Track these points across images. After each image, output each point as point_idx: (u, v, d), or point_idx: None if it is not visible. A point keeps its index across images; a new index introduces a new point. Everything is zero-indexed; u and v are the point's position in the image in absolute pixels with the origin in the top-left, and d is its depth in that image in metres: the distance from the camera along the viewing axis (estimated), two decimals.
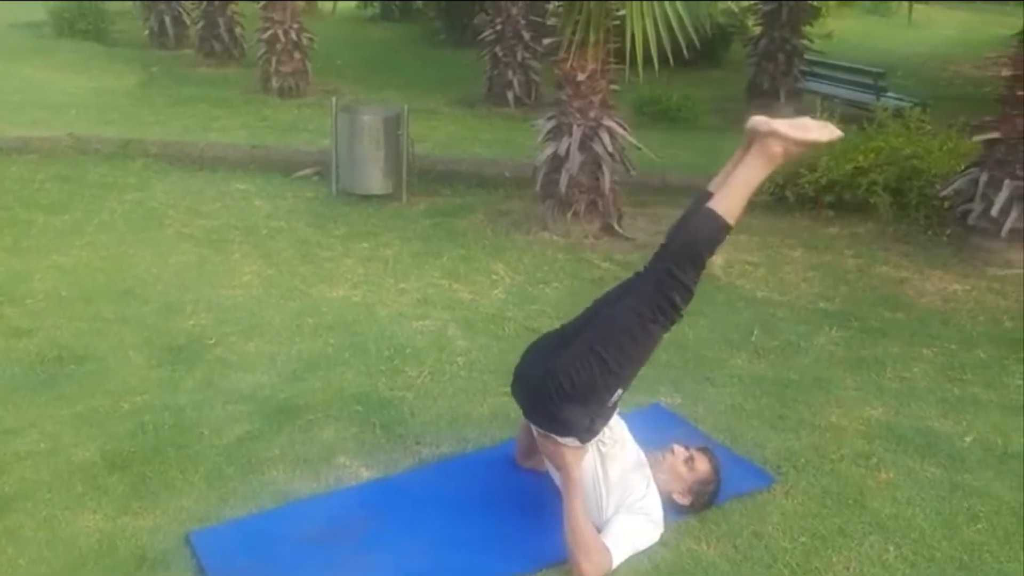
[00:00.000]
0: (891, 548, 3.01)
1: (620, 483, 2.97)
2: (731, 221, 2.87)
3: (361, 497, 3.21)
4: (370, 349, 4.34)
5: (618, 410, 3.04)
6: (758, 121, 2.90)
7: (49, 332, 4.41)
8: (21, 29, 14.19)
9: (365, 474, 3.37)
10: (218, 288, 5.05)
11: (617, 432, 3.03)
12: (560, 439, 2.87)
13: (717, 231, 2.87)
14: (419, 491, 3.24)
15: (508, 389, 3.90)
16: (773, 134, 2.86)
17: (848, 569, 2.91)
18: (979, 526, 3.14)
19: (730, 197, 2.90)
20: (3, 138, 7.87)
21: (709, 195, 2.98)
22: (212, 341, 4.38)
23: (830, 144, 2.99)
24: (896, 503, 3.25)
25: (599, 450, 2.95)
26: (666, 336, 4.56)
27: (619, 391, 2.90)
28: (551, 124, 6.16)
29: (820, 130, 2.87)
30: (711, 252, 2.91)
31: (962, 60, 14.49)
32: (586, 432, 2.86)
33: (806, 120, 2.90)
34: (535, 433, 3.02)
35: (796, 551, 2.98)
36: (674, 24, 5.34)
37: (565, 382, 2.81)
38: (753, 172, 2.91)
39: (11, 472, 3.29)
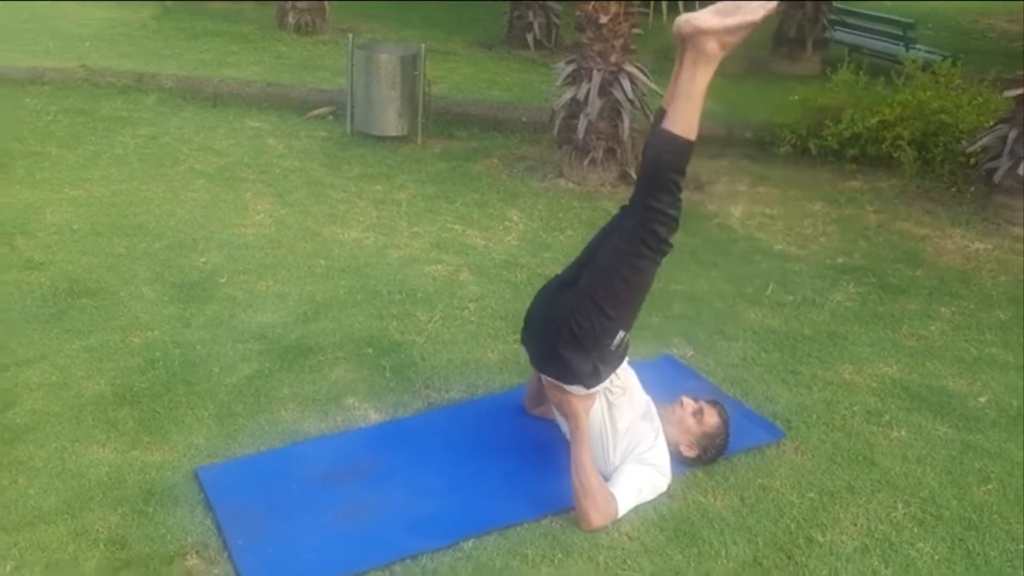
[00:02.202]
0: (900, 506, 2.99)
1: (628, 433, 2.96)
2: (690, 136, 2.72)
3: (369, 439, 3.22)
4: (381, 292, 4.31)
5: (628, 360, 3.02)
6: (680, 23, 2.68)
7: (61, 265, 4.41)
8: None
9: (374, 416, 3.37)
10: (230, 226, 5.02)
11: (626, 381, 3.00)
12: (566, 387, 2.86)
13: (679, 151, 2.72)
14: (427, 435, 3.24)
15: (519, 336, 3.89)
16: (700, 32, 2.65)
17: (855, 525, 2.90)
18: (989, 487, 3.12)
19: (680, 112, 2.72)
20: (16, 68, 7.82)
21: (662, 114, 2.82)
22: (223, 279, 4.37)
23: (765, 18, 2.69)
24: (906, 461, 3.23)
25: (607, 399, 2.93)
26: (679, 288, 4.55)
27: (621, 333, 2.85)
28: (570, 68, 6.04)
29: (751, 7, 2.65)
30: (680, 173, 2.74)
31: (996, 13, 14.09)
32: (590, 378, 2.82)
33: (727, 4, 2.68)
34: (544, 382, 3.00)
35: (804, 506, 2.97)
36: None
37: (565, 330, 2.79)
38: (695, 77, 2.70)
39: (23, 403, 3.31)
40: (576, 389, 2.85)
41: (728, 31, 2.66)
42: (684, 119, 2.72)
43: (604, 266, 2.82)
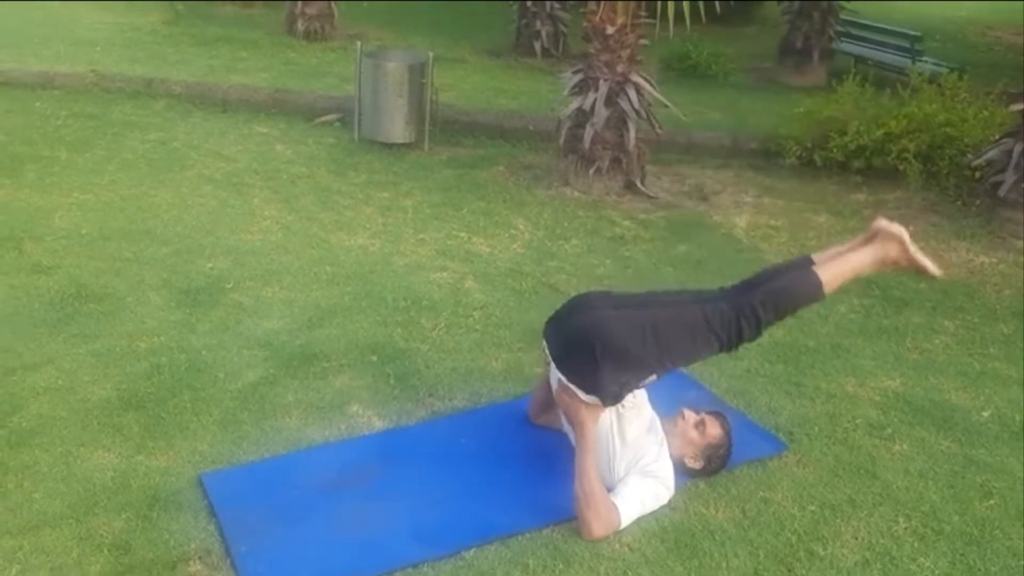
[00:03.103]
0: (901, 520, 3.00)
1: (634, 444, 2.97)
2: (826, 293, 3.01)
3: (373, 446, 3.24)
4: (387, 299, 4.33)
5: None
6: (890, 223, 3.07)
7: (69, 270, 4.43)
8: None
9: (378, 424, 3.38)
10: (237, 232, 5.05)
11: (636, 395, 3.01)
12: (584, 395, 2.87)
13: (812, 296, 3.02)
14: (431, 443, 3.26)
15: (523, 345, 3.91)
16: (901, 241, 3.02)
17: (856, 539, 2.90)
18: (991, 502, 3.12)
19: (835, 273, 3.03)
20: (26, 72, 7.86)
21: (810, 260, 3.12)
22: (230, 285, 4.39)
23: (933, 277, 3.16)
24: (908, 475, 3.24)
25: (617, 411, 2.94)
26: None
27: (653, 376, 2.93)
28: (577, 78, 6.06)
29: (933, 261, 3.08)
30: (794, 311, 3.07)
31: (1003, 26, 14.10)
32: (611, 397, 2.86)
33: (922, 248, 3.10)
34: (557, 383, 3.00)
35: (805, 519, 2.97)
36: None
37: (612, 339, 2.84)
38: (865, 262, 3.06)
39: (28, 408, 3.33)
40: (592, 399, 2.87)
41: (911, 261, 3.04)
42: (834, 280, 3.02)
43: (684, 322, 2.94)
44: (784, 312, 3.01)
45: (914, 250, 3.03)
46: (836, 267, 3.04)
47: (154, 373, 3.60)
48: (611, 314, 2.94)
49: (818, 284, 2.98)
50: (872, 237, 3.08)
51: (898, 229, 3.02)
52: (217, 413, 3.36)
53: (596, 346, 2.83)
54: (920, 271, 3.07)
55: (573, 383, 2.89)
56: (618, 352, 2.84)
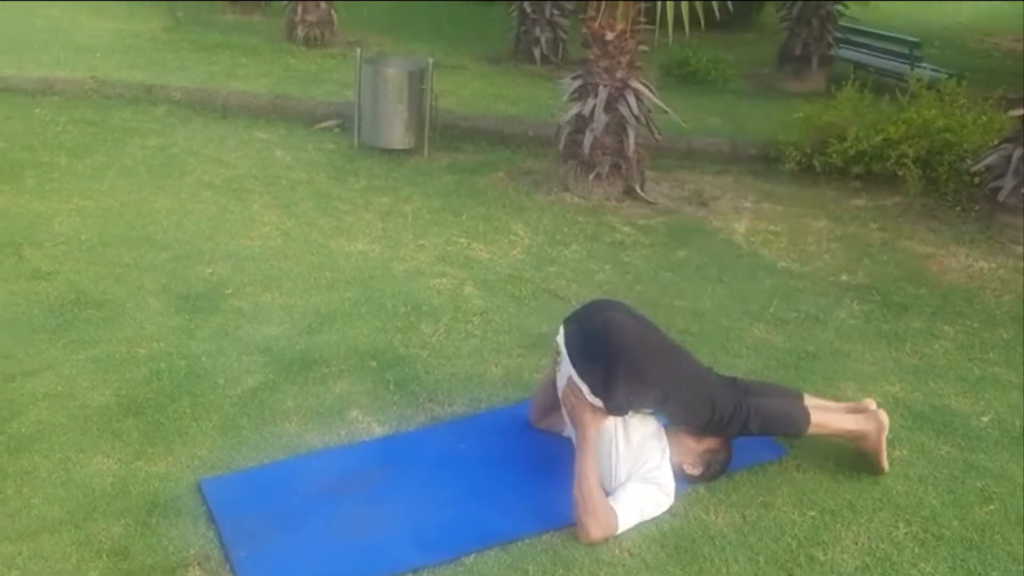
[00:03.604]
0: (901, 525, 2.99)
1: (638, 448, 2.98)
2: (806, 432, 3.19)
3: (372, 452, 3.23)
4: (386, 305, 4.33)
5: None
6: (880, 409, 3.27)
7: (68, 276, 4.43)
8: None
9: (377, 430, 3.38)
10: (237, 238, 5.05)
11: None
12: (591, 396, 2.88)
13: (796, 429, 3.19)
14: (430, 449, 3.25)
15: (523, 350, 3.91)
16: (880, 429, 3.20)
17: (856, 544, 2.90)
18: (991, 507, 3.11)
19: (821, 421, 3.20)
20: (27, 79, 7.88)
21: (801, 396, 3.29)
22: (229, 291, 4.39)
23: (879, 471, 3.25)
24: (908, 480, 3.23)
25: (622, 416, 2.95)
26: (683, 303, 4.57)
27: (652, 409, 3.01)
28: (577, 84, 6.07)
29: (885, 463, 3.25)
30: (772, 434, 3.25)
31: (1002, 32, 14.13)
32: (615, 407, 2.89)
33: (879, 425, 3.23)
34: (565, 382, 3.01)
35: (805, 524, 2.97)
36: None
37: (634, 348, 2.94)
38: (845, 427, 3.23)
39: (28, 413, 3.33)
40: (598, 402, 2.89)
41: (877, 446, 3.21)
42: (818, 423, 3.19)
43: (693, 375, 3.12)
44: (766, 430, 3.16)
45: (883, 443, 3.20)
46: (823, 417, 3.21)
47: (153, 379, 3.59)
48: (639, 327, 3.07)
49: (807, 422, 3.15)
50: (860, 410, 3.29)
51: (884, 417, 3.21)
52: (216, 419, 3.36)
53: (618, 351, 2.90)
54: (875, 461, 3.22)
55: (584, 381, 2.90)
56: (636, 363, 2.90)
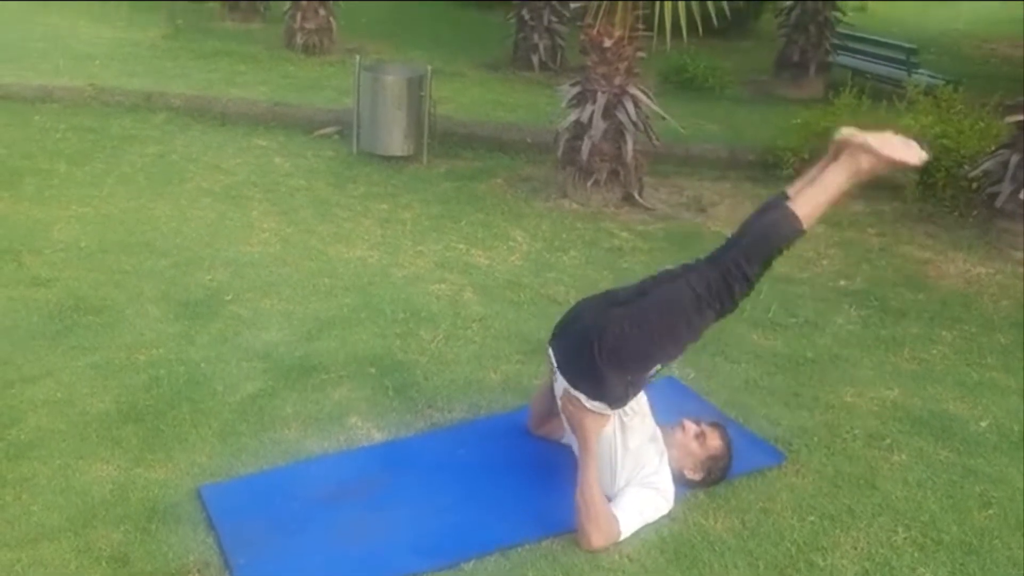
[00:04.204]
0: (900, 530, 3.00)
1: (636, 454, 2.97)
2: (807, 226, 2.88)
3: (372, 458, 3.23)
4: (385, 311, 4.34)
5: None
6: (850, 133, 2.91)
7: (68, 283, 4.44)
8: None
9: (377, 436, 3.38)
10: (236, 244, 5.06)
11: (640, 404, 3.02)
12: (588, 401, 2.84)
13: (793, 233, 2.88)
14: (430, 455, 3.25)
15: (522, 356, 3.91)
16: (865, 148, 2.85)
17: (856, 549, 2.90)
18: (990, 512, 3.12)
19: (811, 203, 2.90)
20: (26, 86, 7.89)
21: (785, 196, 2.98)
22: (228, 297, 4.39)
23: (916, 167, 2.99)
24: (907, 485, 3.23)
25: (620, 420, 2.94)
26: None
27: (658, 366, 2.91)
28: (575, 90, 6.09)
29: (908, 150, 2.86)
30: (781, 252, 2.91)
31: (999, 38, 14.17)
32: (617, 400, 2.84)
33: (892, 137, 2.87)
34: (561, 392, 2.99)
35: (804, 529, 2.97)
36: None
37: (611, 340, 2.80)
38: (838, 182, 2.90)
39: (27, 420, 3.33)
40: (598, 406, 2.84)
41: (884, 160, 2.84)
42: (811, 210, 2.89)
43: (671, 300, 2.88)
44: (769, 258, 2.88)
45: (885, 150, 2.83)
46: (812, 197, 2.90)
47: (153, 385, 3.59)
48: (608, 313, 2.91)
49: (796, 220, 2.85)
50: (838, 153, 2.93)
51: (861, 138, 2.86)
52: (216, 425, 3.36)
53: (595, 347, 2.81)
54: (900, 166, 2.89)
55: (579, 390, 2.87)
56: (617, 349, 2.81)
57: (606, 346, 2.80)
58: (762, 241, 2.88)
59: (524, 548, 2.81)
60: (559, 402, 3.04)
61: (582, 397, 2.87)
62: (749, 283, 2.86)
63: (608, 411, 2.86)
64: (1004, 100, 6.37)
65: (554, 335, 3.06)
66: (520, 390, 3.68)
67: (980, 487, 3.25)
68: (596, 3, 5.64)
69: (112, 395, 3.51)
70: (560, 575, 2.72)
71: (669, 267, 3.10)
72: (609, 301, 2.99)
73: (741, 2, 9.10)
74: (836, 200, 2.94)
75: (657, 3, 5.25)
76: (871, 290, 4.97)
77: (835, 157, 2.93)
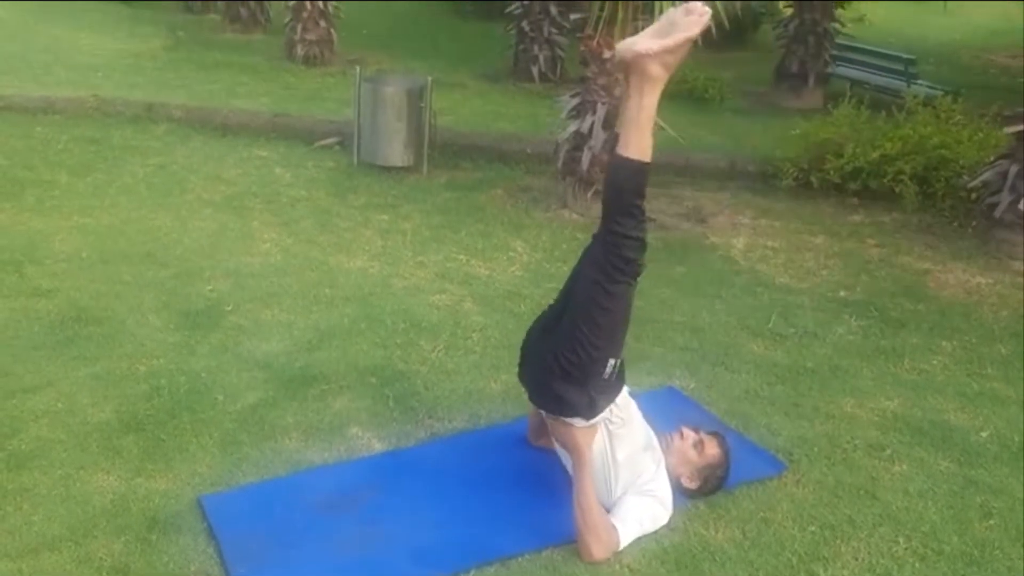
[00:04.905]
0: (901, 540, 2.99)
1: (629, 463, 2.97)
2: (644, 158, 2.74)
3: (372, 468, 3.23)
4: (386, 321, 4.34)
5: (629, 390, 3.05)
6: (621, 49, 2.73)
7: (69, 293, 4.44)
8: None
9: (377, 446, 3.38)
10: (237, 255, 5.06)
11: (627, 412, 3.01)
12: (567, 420, 2.87)
13: (635, 173, 2.75)
14: (430, 465, 3.25)
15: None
16: (641, 56, 2.66)
17: (856, 559, 2.89)
18: (991, 522, 3.12)
19: (632, 136, 2.75)
20: (28, 98, 7.92)
21: (615, 144, 2.87)
22: (229, 308, 4.40)
23: (705, 31, 2.68)
24: (908, 496, 3.23)
25: (608, 430, 2.94)
26: (681, 319, 4.57)
27: (611, 361, 2.83)
28: (575, 101, 6.11)
29: (687, 23, 2.64)
30: (639, 195, 2.76)
31: (998, 49, 14.22)
32: (588, 409, 2.83)
33: (669, 15, 2.69)
34: (545, 417, 3.02)
35: (805, 539, 2.97)
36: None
37: (555, 367, 2.81)
38: (643, 102, 2.72)
39: (28, 430, 3.33)
40: (576, 421, 2.86)
41: (668, 51, 2.65)
42: (636, 143, 2.74)
43: (582, 298, 2.83)
44: (635, 208, 2.74)
45: (655, 45, 2.64)
46: (632, 131, 2.75)
47: (154, 395, 3.60)
48: (544, 339, 2.93)
49: (632, 161, 2.73)
50: (626, 74, 2.80)
51: (627, 48, 2.69)
52: (216, 435, 3.36)
53: (546, 375, 2.85)
54: (687, 45, 2.65)
55: (551, 413, 2.91)
56: (563, 369, 2.80)
57: (553, 371, 2.82)
58: (615, 195, 2.78)
59: (524, 558, 2.81)
60: (549, 425, 3.05)
61: (559, 418, 2.89)
62: (634, 239, 2.74)
63: (587, 423, 2.86)
64: (1003, 110, 6.39)
65: (519, 367, 3.11)
66: (520, 400, 3.67)
67: (981, 497, 3.25)
68: (596, 15, 5.66)
69: (113, 405, 3.51)
70: None
71: (580, 256, 2.98)
72: (543, 327, 3.01)
73: (740, 14, 9.14)
74: (652, 116, 2.77)
75: (657, 14, 5.27)
76: (871, 300, 4.97)
77: (627, 79, 2.79)
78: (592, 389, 2.82)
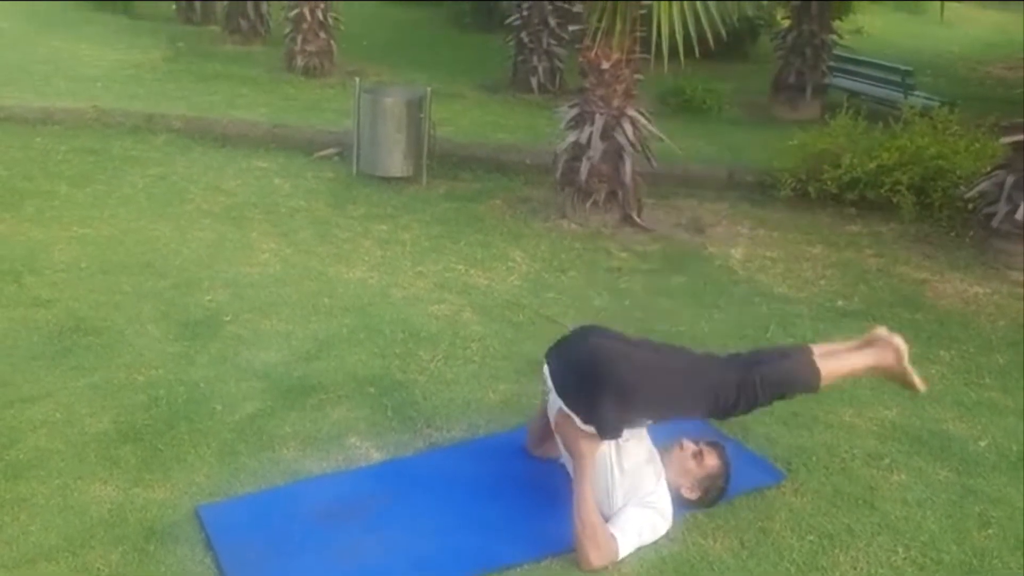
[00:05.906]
0: (900, 550, 2.99)
1: (632, 474, 2.97)
2: (822, 386, 3.11)
3: (370, 478, 3.23)
4: (384, 331, 4.35)
5: None
6: (891, 335, 3.21)
7: (68, 303, 4.45)
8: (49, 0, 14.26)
9: (375, 455, 3.38)
10: (236, 265, 5.07)
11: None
12: (582, 424, 2.87)
13: (809, 386, 3.10)
14: (428, 474, 3.25)
15: (521, 376, 3.91)
16: (898, 353, 3.16)
17: (855, 569, 2.89)
18: (990, 531, 3.11)
19: (834, 369, 3.13)
20: (28, 108, 7.94)
21: (811, 350, 3.16)
22: (228, 318, 4.40)
23: (917, 391, 3.31)
24: (906, 505, 3.23)
25: (616, 440, 2.94)
26: (681, 329, 4.58)
27: (649, 422, 2.99)
28: (573, 112, 6.13)
29: (921, 381, 3.25)
30: (786, 397, 3.14)
31: (994, 60, 14.27)
32: (609, 430, 2.87)
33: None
34: (556, 412, 3.01)
35: (803, 549, 2.97)
36: (701, 16, 5.29)
37: (620, 373, 2.88)
38: (859, 365, 3.21)
39: (26, 440, 3.33)
40: (590, 429, 2.88)
41: (903, 370, 3.18)
42: (831, 374, 3.12)
43: (697, 372, 3.05)
44: (780, 396, 3.08)
45: (907, 364, 3.15)
46: (834, 365, 3.13)
47: (152, 405, 3.60)
48: (622, 348, 3.01)
49: (818, 376, 3.06)
50: (872, 342, 3.21)
51: (899, 341, 3.15)
52: (215, 445, 3.36)
53: (603, 376, 2.87)
54: (907, 385, 3.23)
55: (573, 411, 2.90)
56: (624, 387, 2.86)
57: (616, 381, 2.87)
58: (785, 378, 3.06)
59: (523, 567, 2.81)
60: (553, 421, 3.05)
61: (576, 418, 2.89)
62: (751, 408, 3.03)
63: (599, 437, 2.88)
64: (999, 121, 6.41)
65: (553, 353, 3.08)
66: (519, 409, 3.68)
67: (979, 507, 3.25)
68: (594, 26, 5.69)
69: (111, 415, 3.51)
70: None
71: (692, 350, 3.27)
72: (620, 338, 3.09)
73: (738, 25, 9.18)
74: (848, 377, 3.30)
75: (655, 26, 5.30)
76: (869, 310, 4.98)
77: (867, 344, 3.22)
78: (623, 418, 2.89)
